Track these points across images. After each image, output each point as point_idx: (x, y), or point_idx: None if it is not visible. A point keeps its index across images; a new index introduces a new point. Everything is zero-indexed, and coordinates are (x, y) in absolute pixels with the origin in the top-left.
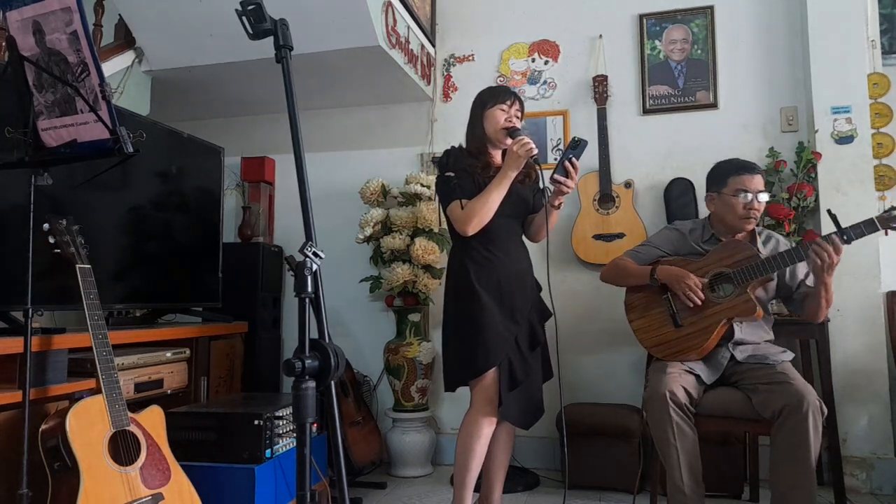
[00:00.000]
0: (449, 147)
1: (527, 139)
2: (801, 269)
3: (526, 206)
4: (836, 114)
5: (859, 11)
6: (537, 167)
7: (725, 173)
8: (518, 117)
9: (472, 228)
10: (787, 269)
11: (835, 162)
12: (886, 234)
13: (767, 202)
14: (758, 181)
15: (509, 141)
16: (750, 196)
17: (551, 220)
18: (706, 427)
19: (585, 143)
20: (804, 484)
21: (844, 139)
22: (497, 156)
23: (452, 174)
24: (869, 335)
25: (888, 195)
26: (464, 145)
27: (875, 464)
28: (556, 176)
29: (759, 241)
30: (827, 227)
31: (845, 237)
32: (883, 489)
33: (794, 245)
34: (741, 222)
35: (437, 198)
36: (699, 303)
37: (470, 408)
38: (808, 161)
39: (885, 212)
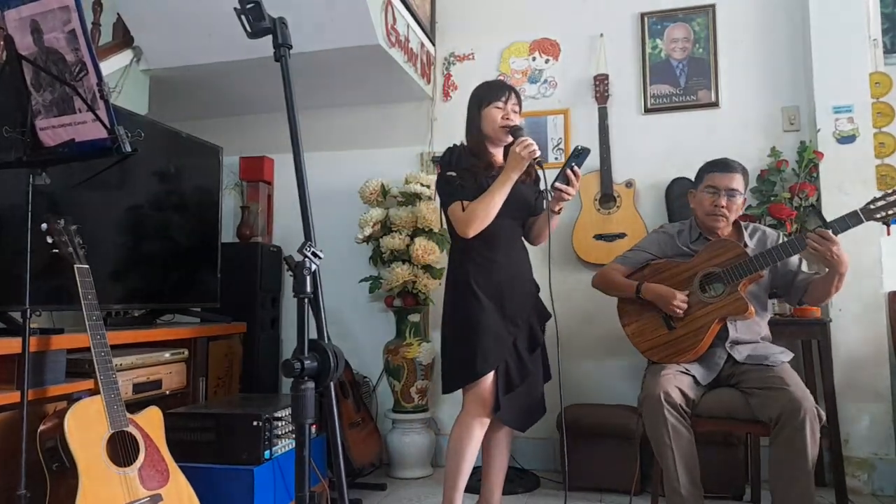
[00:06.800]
0: (451, 145)
1: (529, 140)
2: (794, 257)
3: (527, 207)
4: (838, 113)
5: (861, 11)
6: (540, 169)
7: (703, 171)
8: (516, 111)
9: (474, 230)
10: (779, 262)
11: (837, 161)
12: (888, 233)
13: (774, 200)
14: (730, 179)
15: (510, 139)
16: (717, 193)
17: (552, 225)
18: (707, 428)
19: (588, 151)
20: (803, 490)
21: (846, 139)
22: (499, 154)
23: (454, 174)
24: (871, 335)
25: None
26: (465, 143)
27: (876, 464)
28: (557, 184)
29: (746, 234)
30: None
31: (831, 231)
32: (884, 490)
33: (781, 236)
34: (707, 219)
35: (437, 196)
36: (683, 310)
37: (462, 410)
38: (809, 161)
39: (868, 203)
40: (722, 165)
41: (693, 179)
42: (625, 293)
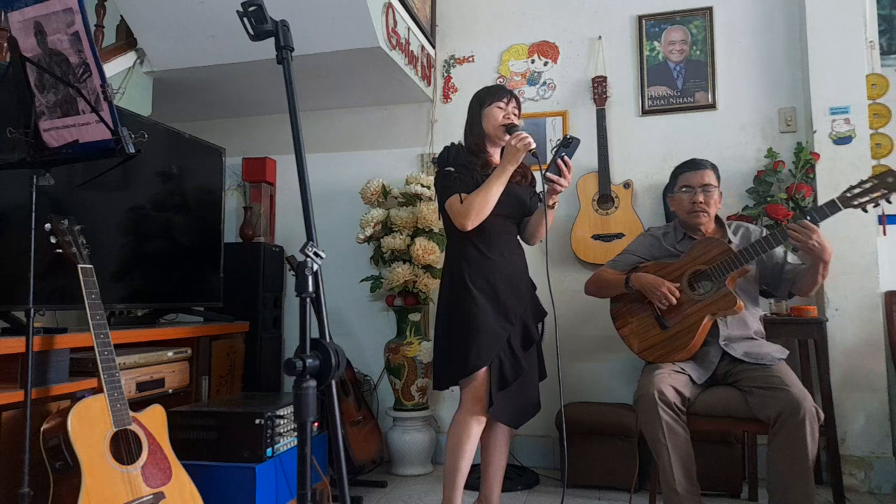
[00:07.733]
0: (448, 144)
1: (525, 133)
2: (779, 250)
3: (522, 207)
4: (835, 114)
5: (858, 12)
6: (536, 160)
7: (676, 174)
8: (515, 114)
9: (472, 222)
10: (765, 254)
11: (833, 162)
12: (884, 233)
13: (771, 201)
14: (702, 176)
15: (507, 137)
16: (693, 191)
17: (547, 220)
18: (704, 426)
19: (578, 141)
20: (802, 490)
21: (843, 140)
22: (496, 154)
23: (452, 169)
24: (867, 335)
25: None
26: (462, 143)
27: (873, 463)
28: (548, 174)
29: (729, 232)
30: (825, 228)
31: (809, 218)
32: (882, 488)
33: (764, 231)
34: (690, 217)
35: (435, 194)
36: (674, 302)
37: (459, 407)
38: (806, 161)
39: (844, 192)
40: (692, 164)
41: None
42: (616, 288)
